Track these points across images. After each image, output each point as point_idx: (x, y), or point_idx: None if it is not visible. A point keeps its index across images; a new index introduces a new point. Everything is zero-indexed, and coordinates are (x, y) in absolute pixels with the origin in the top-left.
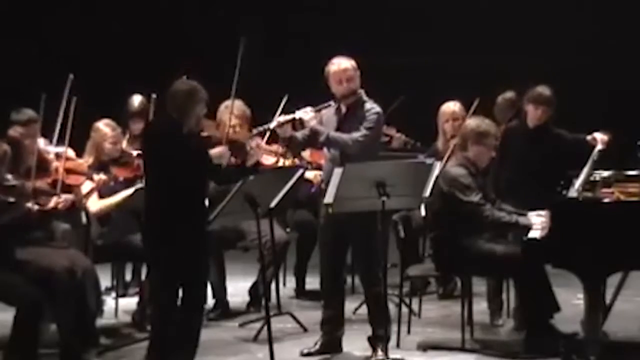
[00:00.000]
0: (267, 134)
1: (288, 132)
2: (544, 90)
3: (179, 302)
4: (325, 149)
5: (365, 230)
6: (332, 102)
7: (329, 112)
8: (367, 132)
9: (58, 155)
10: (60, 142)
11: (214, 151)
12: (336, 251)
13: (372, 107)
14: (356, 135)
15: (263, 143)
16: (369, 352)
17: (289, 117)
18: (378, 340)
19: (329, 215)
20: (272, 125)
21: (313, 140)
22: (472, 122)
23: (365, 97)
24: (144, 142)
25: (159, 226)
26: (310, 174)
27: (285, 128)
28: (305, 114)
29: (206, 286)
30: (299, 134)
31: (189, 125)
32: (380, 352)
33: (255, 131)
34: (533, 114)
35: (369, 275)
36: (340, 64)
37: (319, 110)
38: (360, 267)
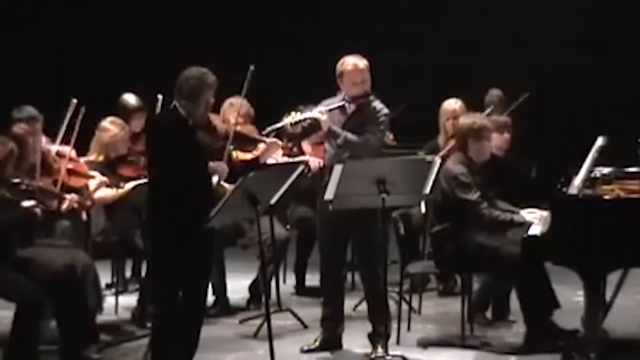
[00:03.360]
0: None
1: (297, 130)
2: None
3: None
4: (326, 145)
5: (366, 227)
6: (344, 104)
7: (334, 112)
8: (380, 134)
9: (59, 154)
10: (63, 143)
11: (213, 164)
12: (335, 248)
13: (381, 107)
14: (371, 137)
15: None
16: (368, 349)
17: (303, 116)
18: (378, 337)
19: (328, 212)
20: (287, 123)
21: (310, 132)
22: (465, 121)
23: (372, 97)
24: (147, 135)
25: (160, 222)
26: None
27: (295, 127)
28: (321, 114)
29: (208, 284)
30: (299, 127)
31: (197, 114)
32: (380, 349)
33: (269, 129)
34: (500, 141)
35: (369, 272)
36: (357, 65)
37: (330, 110)
38: (360, 264)
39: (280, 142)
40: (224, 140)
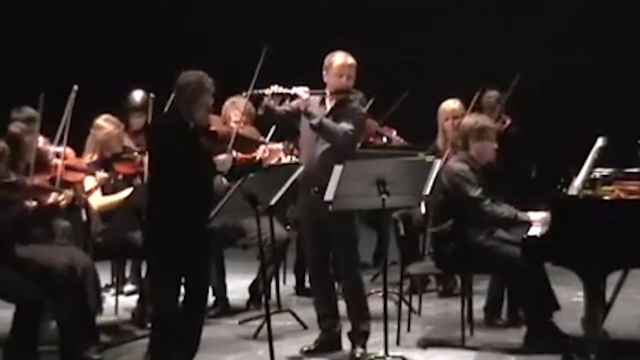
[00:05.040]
0: (272, 130)
1: (277, 105)
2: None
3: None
4: (302, 142)
5: (343, 226)
6: (326, 93)
7: (314, 101)
8: (355, 128)
9: (58, 155)
10: (61, 142)
11: (217, 158)
12: (318, 248)
13: (358, 107)
14: (347, 127)
15: (275, 145)
16: (369, 350)
17: (285, 90)
18: (358, 336)
19: (307, 213)
20: (267, 92)
21: (290, 118)
22: (469, 120)
23: (352, 97)
24: (148, 138)
25: (161, 223)
26: None
27: (275, 99)
28: (303, 92)
29: (208, 285)
30: (280, 109)
31: (197, 118)
32: (360, 349)
33: (248, 92)
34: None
35: (346, 271)
36: (347, 59)
37: (312, 94)
38: (338, 262)
39: (281, 147)
40: (225, 144)
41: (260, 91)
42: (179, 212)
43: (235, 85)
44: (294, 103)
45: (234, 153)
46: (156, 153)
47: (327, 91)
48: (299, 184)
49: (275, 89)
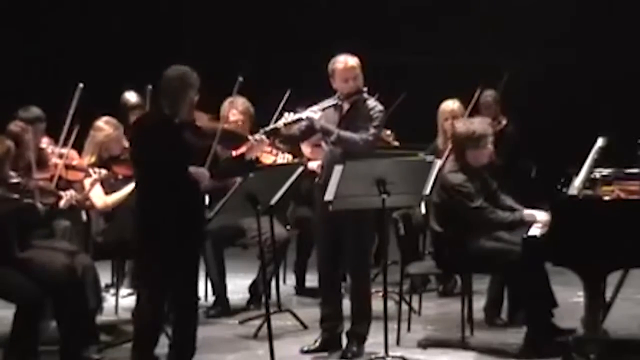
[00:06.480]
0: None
1: (292, 131)
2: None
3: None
4: (323, 145)
5: (358, 227)
6: (337, 101)
7: (329, 109)
8: (375, 131)
9: (60, 155)
10: (67, 139)
11: (193, 169)
12: (331, 248)
13: (375, 104)
14: (365, 134)
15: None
16: (369, 349)
17: (297, 116)
18: (355, 336)
19: (323, 212)
20: (280, 124)
21: (307, 135)
22: (462, 128)
23: (366, 95)
24: (134, 136)
25: (147, 223)
26: (314, 164)
27: (289, 127)
28: (314, 113)
29: (197, 285)
30: (296, 130)
31: (182, 114)
32: (354, 348)
33: (262, 131)
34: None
35: (357, 272)
36: (347, 62)
37: (324, 109)
38: (349, 262)
39: (267, 140)
40: (211, 139)
41: (273, 126)
42: (164, 210)
43: (235, 86)
44: (305, 122)
45: (219, 149)
46: (141, 151)
47: (337, 100)
48: (318, 185)
49: (286, 116)
